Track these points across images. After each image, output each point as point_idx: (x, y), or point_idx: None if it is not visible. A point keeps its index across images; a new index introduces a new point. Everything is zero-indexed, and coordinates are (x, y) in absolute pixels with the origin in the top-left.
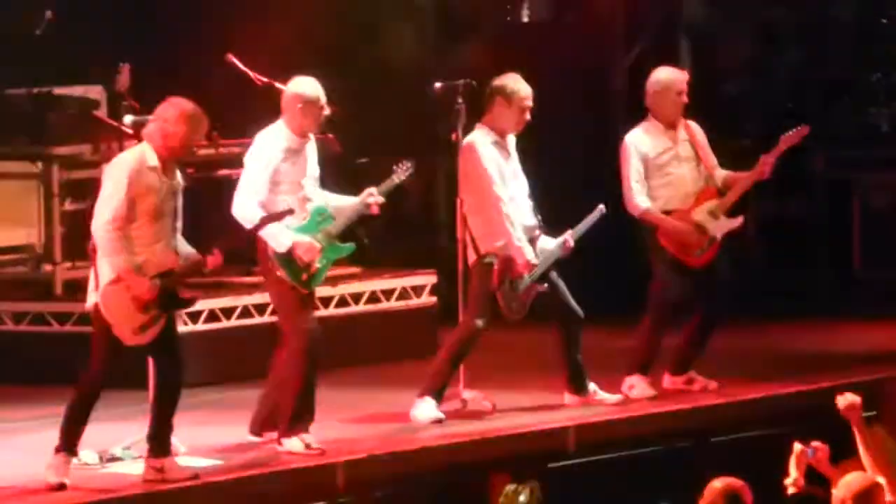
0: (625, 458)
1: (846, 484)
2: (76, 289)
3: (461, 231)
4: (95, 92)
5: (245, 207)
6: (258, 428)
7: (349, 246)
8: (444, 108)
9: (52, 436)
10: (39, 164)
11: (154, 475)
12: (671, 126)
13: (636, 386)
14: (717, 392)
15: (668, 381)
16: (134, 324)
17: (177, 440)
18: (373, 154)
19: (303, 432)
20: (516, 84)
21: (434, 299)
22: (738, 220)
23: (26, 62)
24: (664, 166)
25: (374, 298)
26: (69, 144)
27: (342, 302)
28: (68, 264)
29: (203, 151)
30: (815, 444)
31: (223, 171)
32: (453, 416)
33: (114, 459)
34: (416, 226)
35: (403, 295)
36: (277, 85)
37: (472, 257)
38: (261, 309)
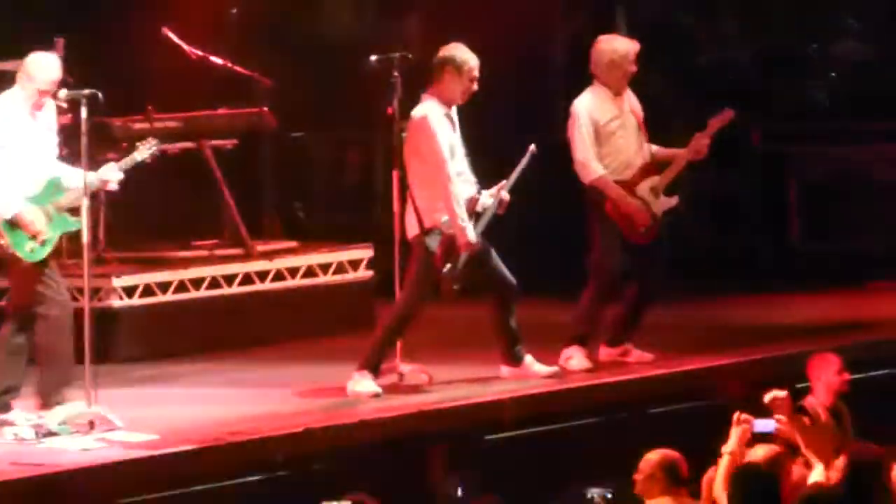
0: (562, 430)
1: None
2: None
3: (397, 205)
4: None
5: None
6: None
7: (77, 220)
8: (380, 82)
9: None
10: None
11: None
12: (618, 94)
13: (573, 357)
14: (652, 364)
15: (603, 352)
16: None
17: (114, 415)
18: (308, 128)
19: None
20: (465, 54)
21: (370, 273)
22: (675, 199)
23: None
24: (611, 134)
25: (310, 272)
26: None
27: (278, 276)
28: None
29: (138, 126)
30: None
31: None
32: (390, 390)
33: (50, 434)
34: (353, 200)
35: (340, 269)
36: (212, 59)
37: (414, 231)
38: (197, 283)
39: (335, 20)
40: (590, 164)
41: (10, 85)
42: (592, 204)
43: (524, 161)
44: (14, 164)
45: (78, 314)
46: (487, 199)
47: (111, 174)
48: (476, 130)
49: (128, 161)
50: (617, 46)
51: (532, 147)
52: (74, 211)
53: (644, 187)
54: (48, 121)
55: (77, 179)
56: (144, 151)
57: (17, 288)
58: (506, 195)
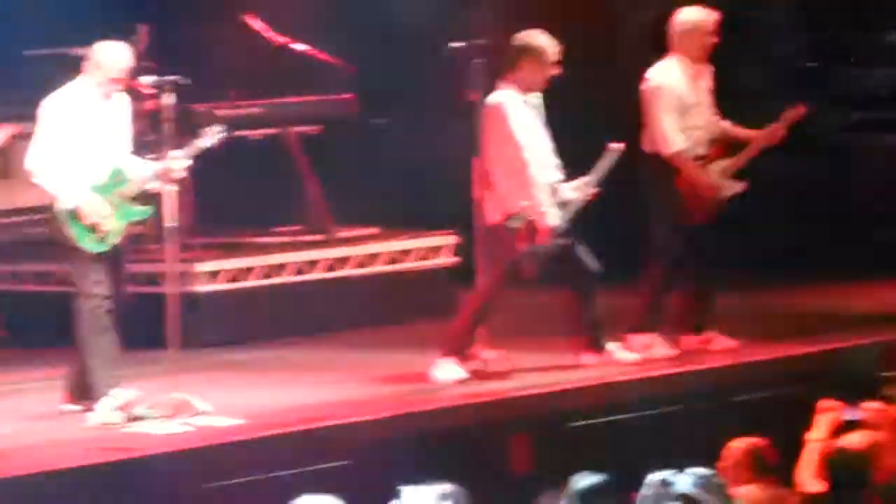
0: (644, 417)
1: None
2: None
3: (478, 191)
4: None
5: None
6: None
7: (144, 209)
8: (461, 68)
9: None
10: None
11: None
12: (697, 67)
13: (655, 344)
14: (737, 351)
15: (686, 340)
16: None
17: (198, 401)
18: (390, 115)
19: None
20: (545, 40)
21: (453, 259)
22: (743, 185)
23: (44, 23)
24: (689, 108)
25: (392, 259)
26: None
27: (361, 262)
28: None
29: (222, 112)
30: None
31: (243, 132)
32: (474, 377)
33: (136, 419)
34: (434, 186)
35: (422, 255)
36: (293, 46)
37: (495, 217)
38: (280, 269)
39: (417, 6)
40: (674, 136)
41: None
42: (659, 178)
43: (608, 157)
44: (79, 152)
45: (162, 300)
46: (570, 192)
47: (177, 162)
48: (553, 116)
49: (193, 148)
50: (692, 17)
51: (615, 145)
52: (140, 200)
53: (715, 167)
54: (118, 110)
55: (141, 169)
56: (209, 138)
57: (80, 277)
58: (591, 189)
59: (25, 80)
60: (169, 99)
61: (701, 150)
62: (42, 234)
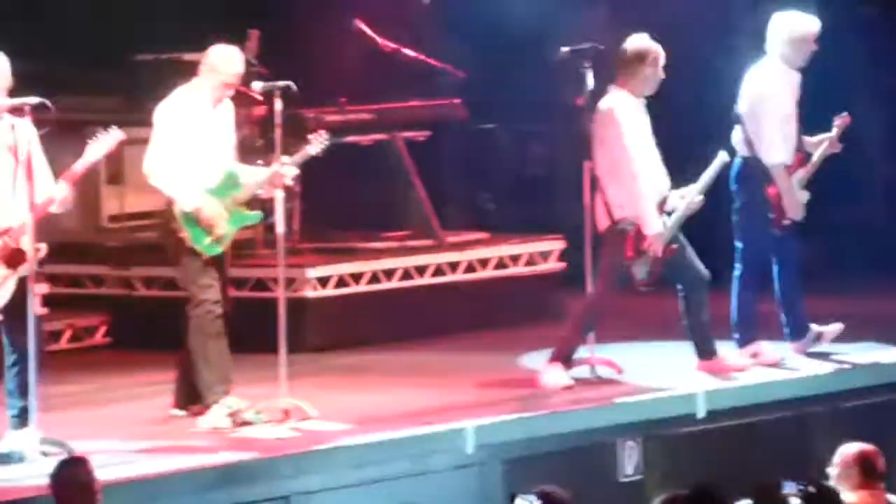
0: (754, 423)
1: None
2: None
3: (588, 196)
4: None
5: None
6: (184, 402)
7: (255, 214)
8: (570, 73)
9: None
10: None
11: None
12: (795, 76)
13: (762, 351)
14: (844, 357)
15: (793, 346)
16: None
17: (308, 405)
18: (498, 120)
19: (218, 400)
20: (653, 45)
21: (562, 265)
22: (806, 195)
23: (156, 28)
24: (790, 118)
25: (501, 264)
26: None
27: (469, 267)
28: None
29: (331, 118)
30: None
31: (351, 138)
32: (582, 382)
33: (245, 423)
34: (541, 191)
35: (531, 260)
36: (404, 51)
37: (604, 223)
38: (389, 274)
39: (524, 10)
40: (780, 146)
41: (195, 76)
42: (752, 185)
43: (715, 167)
44: (194, 156)
45: (272, 304)
46: (678, 199)
47: (286, 169)
48: (658, 123)
49: (301, 155)
50: (800, 25)
51: (723, 154)
52: (251, 205)
53: (796, 178)
54: (226, 116)
55: (252, 174)
56: (317, 146)
57: (191, 282)
58: (698, 198)
59: (137, 85)
60: (279, 104)
61: (790, 160)
62: (151, 239)
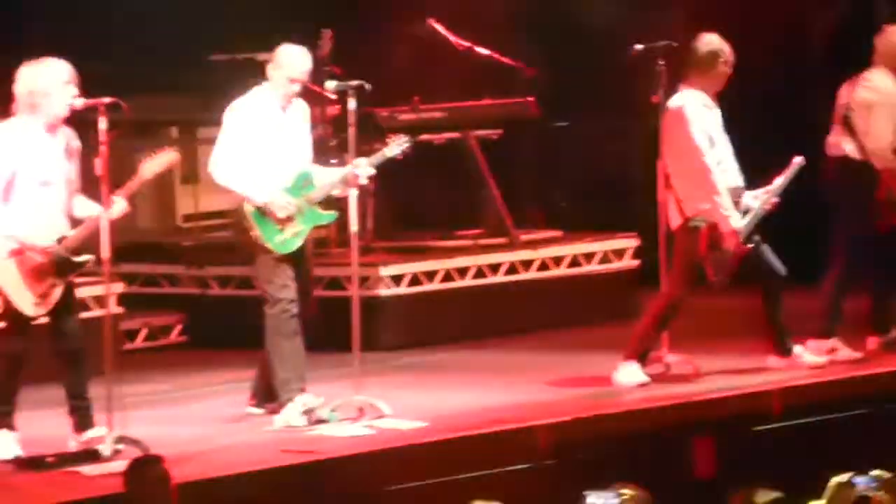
0: (831, 421)
1: None
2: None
3: (662, 194)
4: None
5: None
6: (261, 400)
7: (330, 214)
8: (643, 71)
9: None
10: None
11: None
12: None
13: (839, 347)
14: None
15: (872, 341)
16: (33, 294)
17: (382, 403)
18: (571, 118)
19: (293, 398)
20: (722, 45)
21: (636, 262)
22: None
23: (229, 28)
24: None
25: (575, 262)
26: None
27: (543, 265)
28: None
29: (404, 117)
30: None
31: (425, 136)
32: (657, 380)
33: (320, 421)
34: (615, 189)
35: (605, 258)
36: (477, 49)
37: (677, 220)
38: (462, 272)
39: (597, 8)
40: (889, 151)
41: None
42: (853, 184)
43: (791, 170)
44: (265, 157)
45: (346, 302)
46: (752, 200)
47: (361, 170)
48: (732, 121)
49: (378, 157)
50: None
51: (799, 159)
52: (327, 204)
53: None
54: (299, 116)
55: (327, 174)
56: (395, 147)
57: (267, 281)
58: (773, 199)
59: (213, 85)
60: (352, 104)
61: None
62: (226, 238)
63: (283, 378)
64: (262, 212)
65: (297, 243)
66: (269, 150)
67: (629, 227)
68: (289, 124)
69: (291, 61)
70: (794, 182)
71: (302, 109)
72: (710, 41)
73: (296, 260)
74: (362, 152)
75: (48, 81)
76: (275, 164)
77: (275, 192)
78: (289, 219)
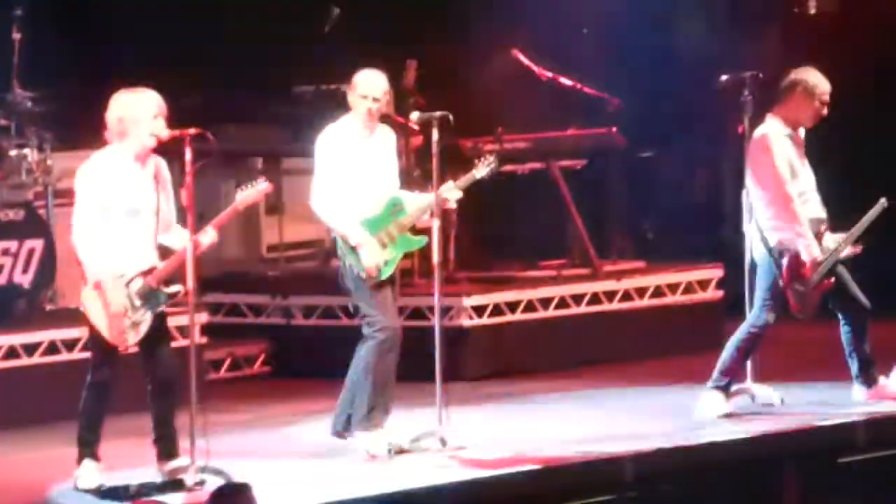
0: None
1: None
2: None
3: (746, 224)
4: None
5: None
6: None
7: (420, 239)
8: (730, 100)
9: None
10: None
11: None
12: None
13: None
14: None
15: None
16: (121, 325)
17: (463, 433)
18: (656, 148)
19: (378, 427)
20: (817, 78)
21: (720, 293)
22: None
23: (314, 59)
24: None
25: (658, 292)
26: None
27: (626, 296)
28: None
29: (488, 147)
30: None
31: (509, 167)
32: (742, 411)
33: (402, 451)
34: (701, 219)
35: (689, 289)
36: (561, 80)
37: (759, 250)
38: (545, 303)
39: (682, 39)
40: None
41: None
42: None
43: (874, 212)
44: (352, 187)
45: (429, 332)
46: (832, 241)
47: (450, 193)
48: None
49: (467, 179)
50: None
51: (883, 201)
52: (416, 230)
53: None
54: (385, 144)
55: (416, 200)
56: (483, 169)
57: (362, 307)
58: (854, 247)
59: (298, 116)
60: (436, 135)
61: None
62: (310, 268)
63: (371, 405)
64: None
65: (390, 271)
66: (357, 176)
67: (716, 256)
68: (375, 151)
69: (364, 80)
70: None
71: (388, 137)
72: (800, 73)
73: (388, 288)
74: (448, 181)
75: (138, 110)
76: (363, 191)
77: (367, 237)
78: (379, 250)
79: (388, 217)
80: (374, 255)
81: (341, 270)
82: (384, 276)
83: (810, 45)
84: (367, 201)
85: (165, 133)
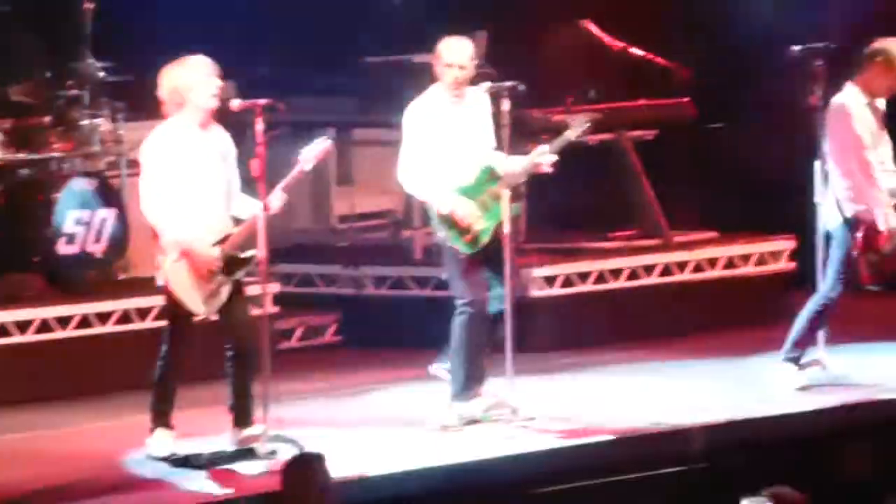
0: None
1: None
2: (435, 253)
3: (819, 195)
4: None
5: None
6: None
7: (515, 206)
8: (800, 72)
9: (407, 398)
10: (399, 131)
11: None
12: None
13: None
14: None
15: None
16: (202, 294)
17: (534, 403)
18: (726, 119)
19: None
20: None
21: (793, 265)
22: None
23: (385, 31)
24: None
25: (730, 263)
26: None
27: (698, 267)
28: (427, 229)
29: (557, 117)
30: None
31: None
32: (813, 383)
33: (473, 422)
34: (772, 190)
35: (761, 260)
36: (631, 50)
37: (834, 220)
38: (616, 274)
39: (754, 9)
40: None
41: (423, 78)
42: None
43: None
44: (444, 157)
45: None
46: None
47: (544, 157)
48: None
49: (560, 141)
50: None
51: None
52: (511, 198)
53: None
54: (478, 109)
55: (509, 165)
56: (576, 129)
57: (452, 281)
58: None
59: (368, 87)
60: (506, 105)
61: None
62: (380, 239)
63: (466, 377)
64: (447, 217)
65: (485, 240)
66: (447, 146)
67: (785, 228)
68: (465, 119)
69: (449, 49)
70: None
71: (481, 100)
72: (884, 44)
73: (487, 256)
74: (516, 153)
75: (190, 75)
76: (455, 162)
77: (458, 201)
78: (472, 221)
79: (483, 185)
80: (469, 214)
81: (436, 243)
82: (475, 250)
83: (889, 13)
84: (460, 170)
85: (237, 103)
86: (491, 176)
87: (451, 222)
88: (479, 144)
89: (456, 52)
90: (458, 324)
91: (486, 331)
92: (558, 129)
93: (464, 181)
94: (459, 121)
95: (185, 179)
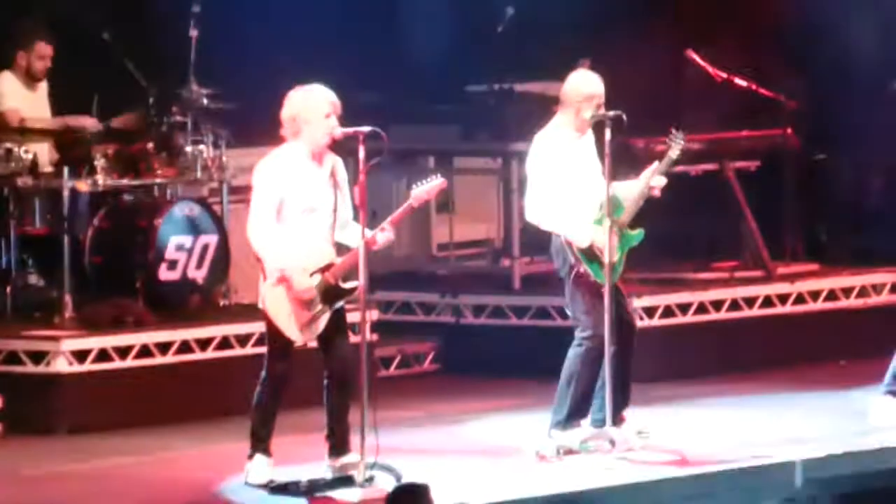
0: None
1: None
2: (534, 282)
3: None
4: (554, 88)
5: None
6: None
7: (639, 233)
8: None
9: (504, 427)
10: (500, 160)
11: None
12: None
13: None
14: None
15: None
16: (300, 321)
17: (634, 435)
18: (831, 150)
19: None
20: None
21: (895, 297)
22: None
23: (488, 59)
24: None
25: (832, 296)
26: (528, 140)
27: (800, 299)
28: (526, 259)
29: (661, 147)
30: None
31: (680, 168)
32: None
33: (571, 453)
34: (876, 222)
35: (863, 292)
36: (736, 80)
37: None
38: (717, 305)
39: (860, 41)
40: None
41: (525, 106)
42: None
43: None
44: (575, 190)
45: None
46: None
47: (656, 180)
48: None
49: (666, 162)
50: None
51: None
52: (631, 226)
53: None
54: (588, 138)
55: (628, 192)
56: (675, 148)
57: (581, 310)
58: None
59: (470, 116)
60: (608, 134)
61: None
62: (479, 268)
63: (571, 411)
64: (587, 251)
65: (619, 271)
66: (578, 180)
67: (888, 260)
68: (587, 150)
69: (587, 81)
70: None
71: (589, 135)
72: None
73: (611, 290)
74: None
75: (310, 110)
76: (583, 195)
77: (594, 233)
78: (607, 252)
79: (611, 215)
80: (607, 246)
81: (563, 271)
82: (615, 280)
83: None
84: (589, 202)
85: (339, 132)
86: (616, 205)
87: (591, 255)
88: (598, 176)
89: (597, 85)
90: (574, 354)
91: (599, 366)
92: (660, 159)
93: (593, 213)
94: (583, 152)
95: (293, 207)
